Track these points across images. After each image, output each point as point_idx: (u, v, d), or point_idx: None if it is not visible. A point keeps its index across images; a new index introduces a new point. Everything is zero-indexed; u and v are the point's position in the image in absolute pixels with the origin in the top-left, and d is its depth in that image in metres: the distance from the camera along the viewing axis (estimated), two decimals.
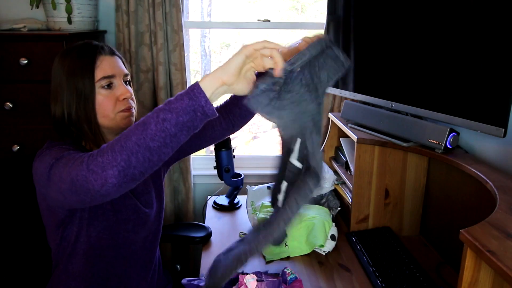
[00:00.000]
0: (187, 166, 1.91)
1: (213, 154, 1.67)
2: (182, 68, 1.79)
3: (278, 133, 0.91)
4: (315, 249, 1.34)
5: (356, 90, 1.55)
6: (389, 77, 1.38)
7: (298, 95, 0.84)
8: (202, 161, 2.08)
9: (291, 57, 0.82)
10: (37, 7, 1.67)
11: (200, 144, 1.24)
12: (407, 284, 1.13)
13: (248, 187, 1.65)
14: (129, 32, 1.76)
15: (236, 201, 1.72)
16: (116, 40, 1.79)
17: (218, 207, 1.70)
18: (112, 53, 1.07)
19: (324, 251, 1.33)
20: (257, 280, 1.01)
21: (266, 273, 1.13)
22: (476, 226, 0.77)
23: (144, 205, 1.15)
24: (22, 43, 1.50)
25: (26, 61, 1.49)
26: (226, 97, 1.18)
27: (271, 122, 0.88)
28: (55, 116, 1.04)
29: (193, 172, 1.98)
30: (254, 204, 1.54)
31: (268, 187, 1.67)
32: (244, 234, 1.48)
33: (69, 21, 1.63)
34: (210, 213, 1.67)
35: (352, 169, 1.45)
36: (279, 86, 0.81)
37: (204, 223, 1.57)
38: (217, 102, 0.90)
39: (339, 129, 1.70)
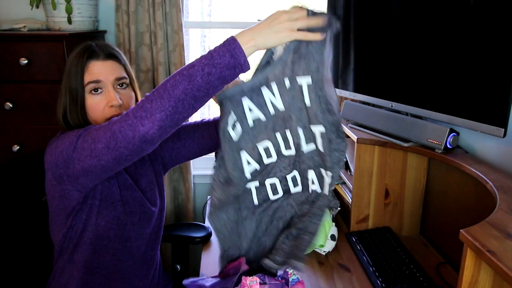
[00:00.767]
0: (187, 166, 1.91)
1: (213, 154, 1.67)
2: None
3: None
4: (315, 249, 1.34)
5: (356, 90, 1.55)
6: (389, 77, 1.38)
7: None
8: (202, 161, 2.08)
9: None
10: (37, 7, 1.67)
11: (200, 152, 1.28)
12: (407, 284, 1.13)
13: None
14: (129, 32, 1.76)
15: None
16: (116, 40, 1.79)
17: None
18: (109, 56, 1.08)
19: (324, 251, 1.33)
20: (260, 283, 1.00)
21: (268, 275, 1.12)
22: (476, 226, 0.77)
23: (150, 202, 1.18)
24: (22, 43, 1.50)
25: (26, 61, 1.49)
26: None
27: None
28: (57, 116, 1.09)
29: (193, 172, 1.98)
30: None
31: None
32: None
33: (69, 21, 1.63)
34: None
35: (352, 169, 1.45)
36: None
37: (204, 223, 1.57)
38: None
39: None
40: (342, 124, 1.02)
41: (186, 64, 1.76)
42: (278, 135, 1.03)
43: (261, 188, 1.07)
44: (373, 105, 1.48)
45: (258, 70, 0.98)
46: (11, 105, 1.52)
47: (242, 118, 1.00)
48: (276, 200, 1.09)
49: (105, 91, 1.07)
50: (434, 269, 1.25)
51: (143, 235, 1.16)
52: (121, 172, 1.11)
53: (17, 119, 1.55)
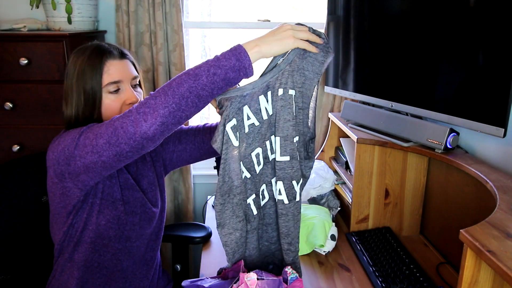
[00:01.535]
0: (187, 166, 1.91)
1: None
2: (182, 68, 1.79)
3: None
4: (315, 249, 1.34)
5: (356, 90, 1.55)
6: (389, 77, 1.39)
7: None
8: (202, 161, 2.08)
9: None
10: (37, 7, 1.67)
11: (200, 156, 1.29)
12: (407, 284, 1.13)
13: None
14: (129, 32, 1.76)
15: None
16: (116, 40, 1.79)
17: None
18: (122, 56, 1.10)
19: (324, 251, 1.33)
20: (258, 279, 1.01)
21: (266, 272, 1.13)
22: (476, 226, 0.77)
23: (151, 202, 1.18)
24: (22, 43, 1.50)
25: (26, 61, 1.49)
26: None
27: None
28: (65, 115, 1.08)
29: (193, 172, 1.98)
30: None
31: None
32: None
33: (69, 21, 1.63)
34: (210, 213, 1.67)
35: (352, 169, 1.45)
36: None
37: (204, 223, 1.57)
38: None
39: (339, 129, 1.70)
40: (313, 144, 1.10)
41: (186, 63, 1.79)
42: (267, 142, 1.06)
43: (257, 198, 1.10)
44: (373, 105, 1.48)
45: (260, 76, 1.02)
46: (11, 105, 1.52)
47: (241, 126, 1.02)
48: (264, 206, 1.12)
49: (122, 90, 1.08)
50: (434, 269, 1.25)
51: (143, 235, 1.16)
52: (122, 171, 1.11)
53: (17, 119, 1.55)
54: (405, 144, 1.29)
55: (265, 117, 1.04)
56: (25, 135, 1.57)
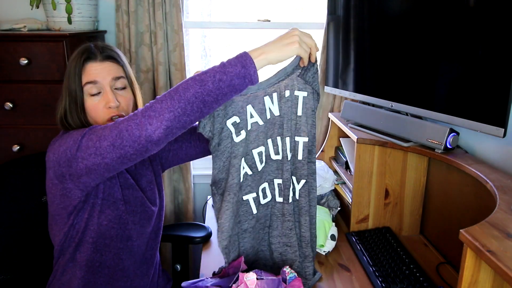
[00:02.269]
0: (187, 166, 1.91)
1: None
2: (182, 68, 1.79)
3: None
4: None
5: (356, 90, 1.55)
6: (389, 77, 1.39)
7: None
8: (202, 161, 2.08)
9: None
10: (37, 7, 1.67)
11: (195, 155, 1.29)
12: (407, 284, 1.13)
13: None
14: (129, 32, 1.76)
15: None
16: (116, 40, 1.79)
17: None
18: (107, 58, 1.09)
19: (324, 251, 1.33)
20: (257, 279, 1.01)
21: (266, 271, 1.13)
22: (476, 226, 0.77)
23: (150, 201, 1.18)
24: (22, 43, 1.49)
25: (26, 61, 1.49)
26: None
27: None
28: (58, 116, 1.10)
29: (193, 172, 1.98)
30: None
31: None
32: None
33: (69, 21, 1.63)
34: (210, 213, 1.67)
35: (352, 169, 1.45)
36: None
37: (204, 223, 1.57)
38: None
39: (339, 129, 1.70)
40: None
41: (186, 63, 1.79)
42: (269, 141, 1.08)
43: (257, 197, 1.11)
44: (373, 105, 1.48)
45: (268, 78, 1.06)
46: (11, 105, 1.52)
47: (244, 123, 1.03)
48: (265, 205, 1.13)
49: (103, 93, 1.08)
50: (434, 269, 1.25)
51: (144, 234, 1.17)
52: (122, 171, 1.12)
53: (17, 119, 1.55)
54: (405, 144, 1.29)
55: (268, 116, 1.06)
56: (25, 135, 1.57)
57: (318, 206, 1.49)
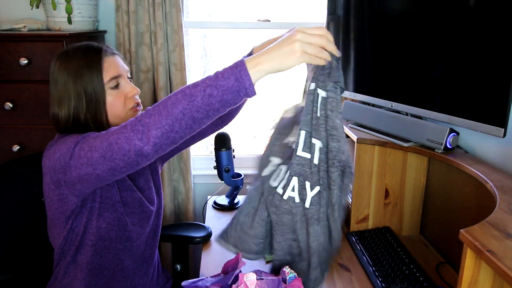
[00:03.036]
0: (187, 166, 1.91)
1: (213, 154, 1.67)
2: (182, 68, 1.79)
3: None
4: None
5: (356, 90, 1.55)
6: (389, 77, 1.38)
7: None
8: (202, 161, 2.08)
9: None
10: (37, 7, 1.67)
11: (190, 141, 1.29)
12: (407, 284, 1.13)
13: (248, 187, 1.64)
14: (129, 32, 1.76)
15: (236, 201, 1.72)
16: (116, 40, 1.79)
17: (218, 207, 1.70)
18: (113, 53, 1.10)
19: None
20: (257, 279, 1.01)
21: (266, 271, 1.13)
22: (476, 226, 0.77)
23: (148, 200, 1.18)
24: (22, 43, 1.50)
25: (26, 61, 1.49)
26: None
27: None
28: (59, 119, 1.05)
29: (193, 172, 1.98)
30: None
31: None
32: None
33: (69, 21, 1.64)
34: (210, 213, 1.67)
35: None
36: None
37: (204, 223, 1.57)
38: None
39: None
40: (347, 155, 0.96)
41: (186, 63, 1.78)
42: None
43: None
44: (373, 105, 1.48)
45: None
46: (11, 105, 1.52)
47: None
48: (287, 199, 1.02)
49: (122, 85, 1.08)
50: (434, 269, 1.25)
51: (143, 234, 1.17)
52: None
53: (17, 119, 1.55)
54: (405, 144, 1.29)
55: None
56: (25, 135, 1.57)
57: None
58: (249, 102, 1.08)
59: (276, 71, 0.84)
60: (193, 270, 2.04)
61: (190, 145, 1.35)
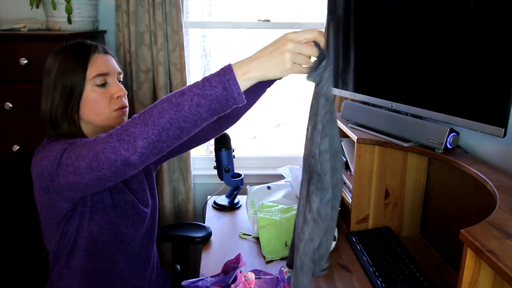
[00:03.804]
0: (187, 166, 1.91)
1: (213, 154, 1.67)
2: (182, 68, 1.79)
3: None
4: None
5: (356, 90, 1.55)
6: (389, 77, 1.38)
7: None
8: (202, 161, 2.08)
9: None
10: (37, 7, 1.67)
11: (188, 145, 1.28)
12: (407, 284, 1.13)
13: (248, 187, 1.65)
14: (129, 32, 1.76)
15: (236, 201, 1.72)
16: (116, 40, 1.79)
17: (218, 207, 1.70)
18: (106, 51, 1.09)
19: None
20: (255, 278, 1.01)
21: (264, 271, 1.13)
22: (476, 226, 0.77)
23: (141, 203, 1.17)
24: (22, 43, 1.49)
25: (26, 61, 1.49)
26: None
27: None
28: (41, 115, 1.07)
29: (193, 172, 1.98)
30: (254, 204, 1.54)
31: (268, 187, 1.67)
32: (246, 234, 1.47)
33: (69, 21, 1.64)
34: (210, 213, 1.67)
35: (352, 169, 1.45)
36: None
37: (204, 223, 1.57)
38: None
39: (339, 129, 1.70)
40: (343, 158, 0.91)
41: (186, 63, 1.78)
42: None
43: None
44: (373, 105, 1.48)
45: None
46: (11, 105, 1.52)
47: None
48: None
49: (109, 84, 1.06)
50: (434, 269, 1.25)
51: (137, 236, 1.16)
52: None
53: (17, 119, 1.55)
54: (405, 144, 1.29)
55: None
56: (25, 135, 1.57)
57: None
58: None
59: (265, 79, 0.81)
60: (193, 270, 2.04)
61: (187, 150, 1.33)
